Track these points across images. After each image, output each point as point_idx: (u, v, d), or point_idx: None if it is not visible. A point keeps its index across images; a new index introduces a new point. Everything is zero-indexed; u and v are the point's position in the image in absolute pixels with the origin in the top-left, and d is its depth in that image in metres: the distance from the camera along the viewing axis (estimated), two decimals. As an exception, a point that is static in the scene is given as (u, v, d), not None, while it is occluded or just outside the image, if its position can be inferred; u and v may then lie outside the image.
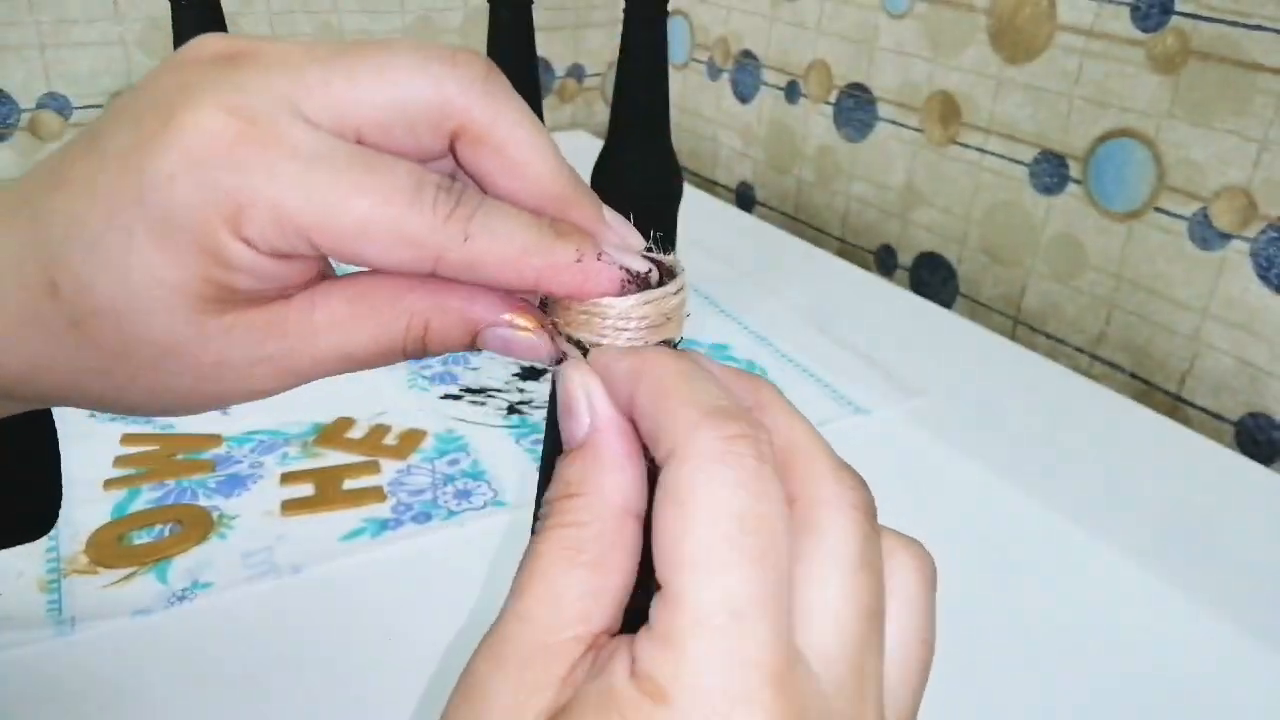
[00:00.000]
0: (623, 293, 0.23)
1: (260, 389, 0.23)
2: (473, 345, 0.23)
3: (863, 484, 0.21)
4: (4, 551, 0.48)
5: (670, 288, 0.23)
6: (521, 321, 0.23)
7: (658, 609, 0.18)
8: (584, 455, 0.21)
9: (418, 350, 0.23)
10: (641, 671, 0.18)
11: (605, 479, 0.20)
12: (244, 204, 0.20)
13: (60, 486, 0.32)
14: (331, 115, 0.21)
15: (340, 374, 0.24)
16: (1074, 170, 0.77)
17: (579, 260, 0.22)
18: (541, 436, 0.26)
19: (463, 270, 0.22)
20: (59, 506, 0.32)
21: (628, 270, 0.23)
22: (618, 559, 0.20)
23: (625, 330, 0.23)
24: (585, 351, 0.23)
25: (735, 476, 0.19)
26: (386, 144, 0.22)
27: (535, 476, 0.27)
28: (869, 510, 0.21)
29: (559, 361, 0.23)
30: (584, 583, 0.19)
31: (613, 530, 0.20)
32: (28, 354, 0.23)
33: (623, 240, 0.24)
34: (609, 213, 0.24)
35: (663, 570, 0.19)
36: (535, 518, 0.21)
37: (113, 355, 0.22)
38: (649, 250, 0.25)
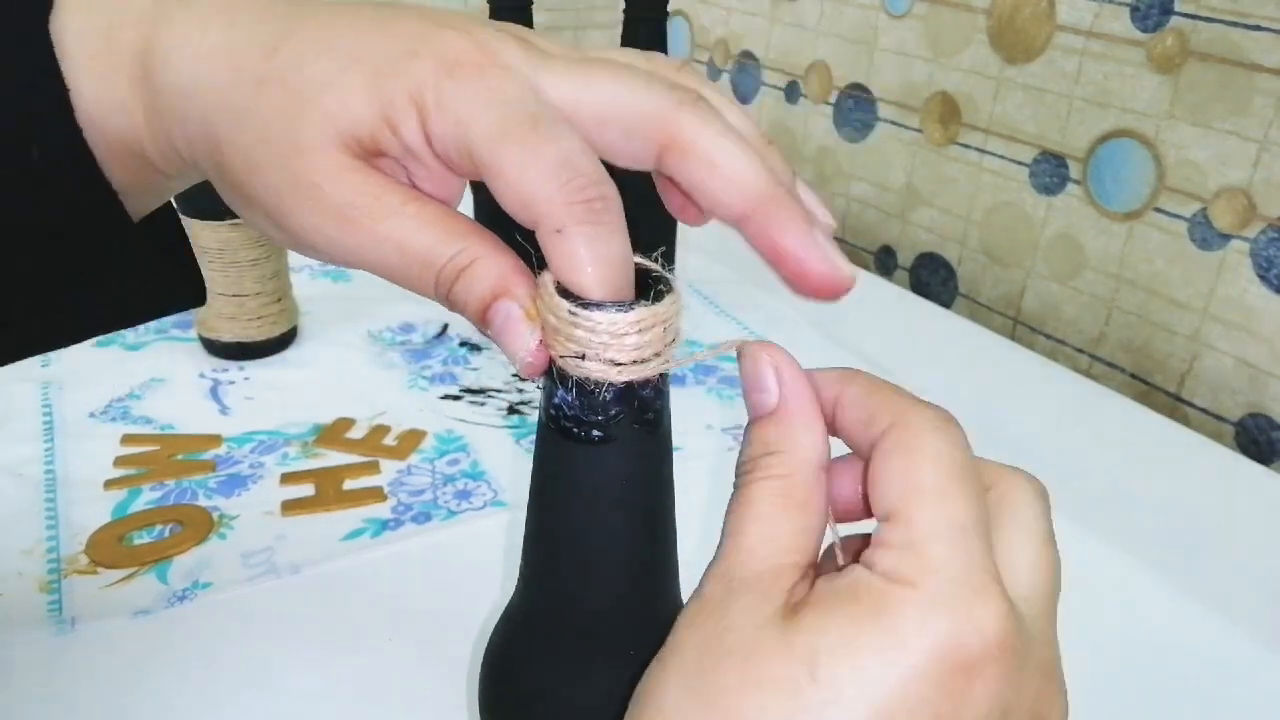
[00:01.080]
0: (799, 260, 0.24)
1: (320, 230, 0.26)
2: (485, 315, 0.25)
3: (1039, 482, 0.26)
4: (4, 552, 0.48)
5: (657, 307, 0.23)
6: (531, 309, 0.24)
7: (888, 532, 0.22)
8: (779, 420, 0.25)
9: (448, 282, 0.25)
10: (883, 569, 0.21)
11: (801, 437, 0.24)
12: (434, 106, 0.24)
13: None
14: (562, 96, 0.25)
15: (377, 267, 0.26)
16: (1074, 170, 0.77)
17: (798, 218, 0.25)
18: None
19: (684, 168, 0.25)
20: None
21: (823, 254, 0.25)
22: (817, 501, 0.24)
23: (615, 345, 0.23)
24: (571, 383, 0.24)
25: (955, 438, 0.23)
26: (600, 140, 0.26)
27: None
28: (1049, 502, 0.25)
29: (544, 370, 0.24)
30: (795, 521, 0.23)
31: (812, 478, 0.24)
32: (217, 89, 0.26)
33: (814, 237, 0.25)
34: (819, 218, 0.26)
35: (891, 502, 0.22)
36: (737, 476, 0.24)
37: (261, 124, 0.26)
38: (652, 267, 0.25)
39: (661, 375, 0.24)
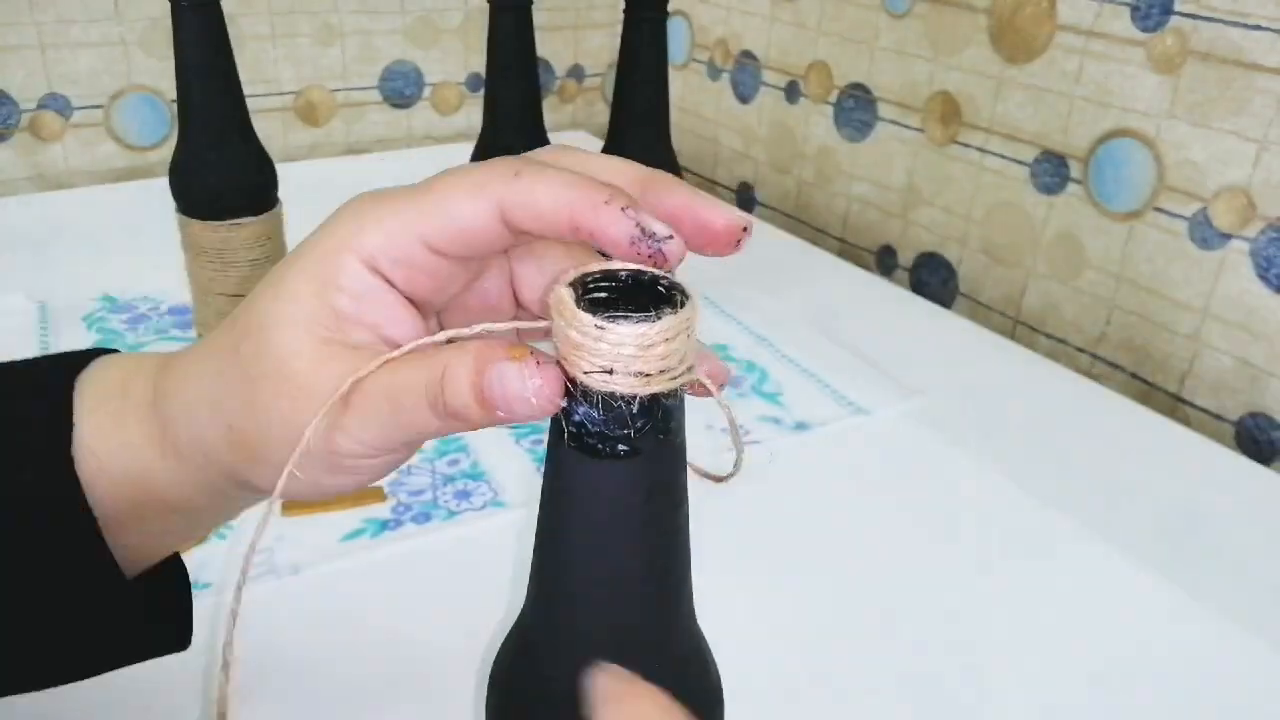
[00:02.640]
0: (632, 252, 0.23)
1: (349, 433, 0.26)
2: (482, 397, 0.24)
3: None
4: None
5: (682, 315, 0.22)
6: (515, 353, 0.24)
7: None
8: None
9: (438, 398, 0.25)
10: None
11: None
12: (368, 224, 0.26)
13: (191, 611, 0.36)
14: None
15: (379, 438, 0.27)
16: (1074, 170, 0.77)
17: (606, 202, 0.24)
18: (543, 437, 0.25)
19: (519, 207, 0.25)
20: (191, 626, 0.36)
21: (641, 229, 0.23)
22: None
23: (642, 357, 0.22)
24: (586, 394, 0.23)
25: None
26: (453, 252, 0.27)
27: (535, 477, 0.27)
28: None
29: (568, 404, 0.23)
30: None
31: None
32: (206, 383, 0.28)
33: (648, 222, 0.24)
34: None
35: None
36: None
37: (249, 375, 0.27)
38: (665, 279, 0.24)
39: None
